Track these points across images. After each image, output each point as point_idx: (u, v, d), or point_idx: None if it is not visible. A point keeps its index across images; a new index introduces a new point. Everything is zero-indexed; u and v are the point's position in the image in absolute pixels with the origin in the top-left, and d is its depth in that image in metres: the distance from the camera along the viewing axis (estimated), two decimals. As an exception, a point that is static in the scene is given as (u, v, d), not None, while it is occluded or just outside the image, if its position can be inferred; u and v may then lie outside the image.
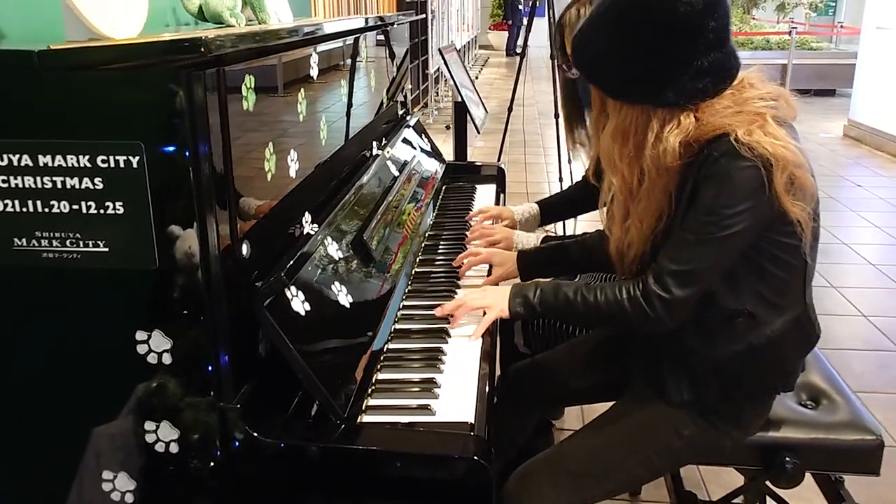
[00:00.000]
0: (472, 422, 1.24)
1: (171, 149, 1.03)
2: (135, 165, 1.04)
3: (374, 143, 2.15)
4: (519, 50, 5.81)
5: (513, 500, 1.43)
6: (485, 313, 1.51)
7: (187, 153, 1.03)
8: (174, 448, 1.15)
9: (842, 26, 12.85)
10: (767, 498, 1.75)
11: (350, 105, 1.95)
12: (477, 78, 12.25)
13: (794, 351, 1.40)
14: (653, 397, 1.45)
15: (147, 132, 1.03)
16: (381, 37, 2.41)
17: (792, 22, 11.44)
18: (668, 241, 1.32)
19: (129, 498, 1.18)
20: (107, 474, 1.17)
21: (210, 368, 1.12)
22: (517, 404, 1.77)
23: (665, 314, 1.31)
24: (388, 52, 2.50)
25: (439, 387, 1.34)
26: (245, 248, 1.18)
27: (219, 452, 1.15)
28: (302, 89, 1.53)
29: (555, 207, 2.25)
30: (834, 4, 15.69)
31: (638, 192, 1.34)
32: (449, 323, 1.55)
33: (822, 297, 3.70)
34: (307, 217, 1.47)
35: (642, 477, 1.50)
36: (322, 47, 1.68)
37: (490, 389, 1.36)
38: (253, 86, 1.22)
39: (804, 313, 1.38)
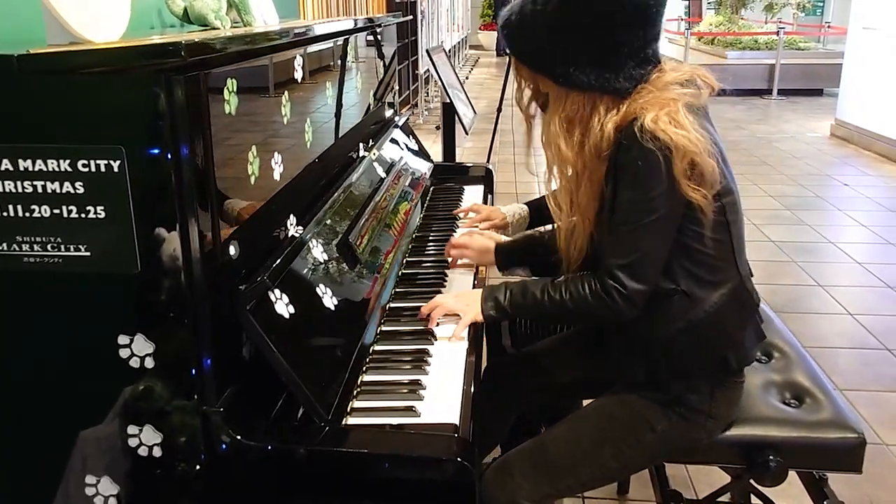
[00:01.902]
0: (457, 423, 1.24)
1: (153, 152, 1.03)
2: (116, 169, 1.04)
3: (362, 145, 2.14)
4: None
5: (490, 489, 1.44)
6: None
7: (169, 157, 1.03)
8: (157, 452, 1.14)
9: (829, 26, 12.93)
10: (752, 496, 1.76)
11: (339, 106, 1.95)
12: (467, 78, 12.26)
13: (734, 322, 1.41)
14: (627, 391, 1.46)
15: (128, 136, 1.03)
16: (370, 38, 2.41)
17: (780, 22, 11.50)
18: (608, 240, 1.35)
19: (113, 502, 1.18)
20: (90, 478, 1.17)
21: (193, 372, 1.11)
22: (499, 400, 1.77)
23: (625, 306, 1.34)
24: (377, 52, 2.50)
25: (424, 388, 1.34)
26: (229, 251, 1.18)
27: (203, 456, 1.14)
28: (287, 91, 1.52)
29: (544, 210, 2.25)
30: (821, 5, 15.79)
31: (581, 182, 1.36)
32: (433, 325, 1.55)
33: (808, 296, 3.73)
34: (292, 219, 1.47)
35: (616, 469, 1.50)
36: (310, 49, 1.68)
37: (475, 390, 1.37)
38: (235, 89, 1.22)
39: (740, 285, 1.39)
